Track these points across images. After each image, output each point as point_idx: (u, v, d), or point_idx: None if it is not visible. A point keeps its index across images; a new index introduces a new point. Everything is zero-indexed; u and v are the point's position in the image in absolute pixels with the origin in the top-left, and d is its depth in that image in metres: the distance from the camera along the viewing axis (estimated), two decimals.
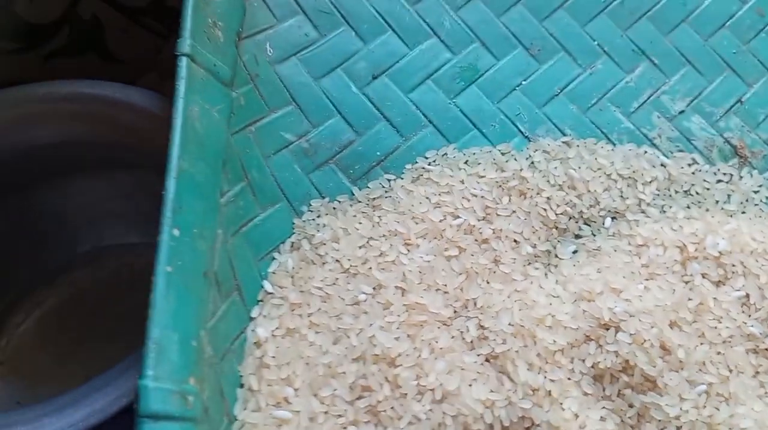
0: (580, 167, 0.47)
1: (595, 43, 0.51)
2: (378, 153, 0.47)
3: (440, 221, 0.44)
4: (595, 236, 0.46)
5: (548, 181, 0.46)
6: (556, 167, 0.47)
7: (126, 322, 0.59)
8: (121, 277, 0.63)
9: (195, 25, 0.40)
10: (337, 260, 0.42)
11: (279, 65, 0.47)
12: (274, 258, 0.42)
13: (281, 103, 0.46)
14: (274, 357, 0.38)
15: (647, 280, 0.42)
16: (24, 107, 0.48)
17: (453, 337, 0.40)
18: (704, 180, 0.48)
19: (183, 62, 0.38)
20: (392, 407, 0.37)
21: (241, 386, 0.37)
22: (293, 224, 0.44)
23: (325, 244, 0.43)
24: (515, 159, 0.47)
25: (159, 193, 0.59)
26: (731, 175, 0.49)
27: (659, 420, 0.37)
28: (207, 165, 0.37)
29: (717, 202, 0.47)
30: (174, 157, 0.35)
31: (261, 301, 0.41)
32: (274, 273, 0.42)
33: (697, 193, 0.48)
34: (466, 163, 0.47)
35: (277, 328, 0.39)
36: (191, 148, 0.36)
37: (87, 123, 0.48)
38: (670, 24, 0.52)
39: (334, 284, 0.42)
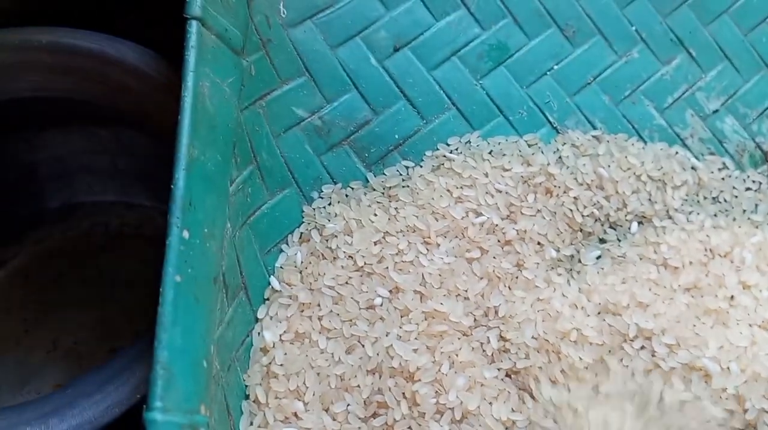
0: (609, 166, 0.44)
1: (633, 28, 0.47)
2: (396, 136, 0.43)
3: (462, 218, 0.40)
4: (620, 241, 0.43)
5: (576, 179, 0.43)
6: (584, 164, 0.44)
7: (98, 287, 0.55)
8: (94, 238, 0.58)
9: None
10: (350, 256, 0.39)
11: (293, 29, 0.42)
12: (281, 251, 0.39)
13: (294, 73, 0.41)
14: (282, 365, 0.35)
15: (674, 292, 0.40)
16: None
17: (473, 349, 0.37)
18: (733, 187, 0.46)
19: (193, 27, 0.33)
20: (410, 427, 0.34)
21: (247, 397, 0.34)
22: (303, 212, 0.40)
23: (336, 236, 0.39)
24: (542, 152, 0.44)
25: (138, 152, 0.55)
26: (760, 183, 0.46)
27: None
28: (218, 151, 0.33)
29: (744, 211, 0.45)
30: (183, 144, 0.30)
31: (268, 299, 0.37)
32: (281, 268, 0.38)
33: (725, 200, 0.45)
34: (490, 153, 0.43)
35: (285, 331, 0.36)
36: (202, 132, 0.31)
37: (68, 77, 0.42)
38: (712, 14, 0.49)
39: (346, 283, 0.38)
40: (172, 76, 0.41)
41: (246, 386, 0.34)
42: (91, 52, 0.41)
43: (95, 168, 0.56)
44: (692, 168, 0.46)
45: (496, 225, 0.41)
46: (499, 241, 0.41)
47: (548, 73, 0.46)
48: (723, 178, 0.46)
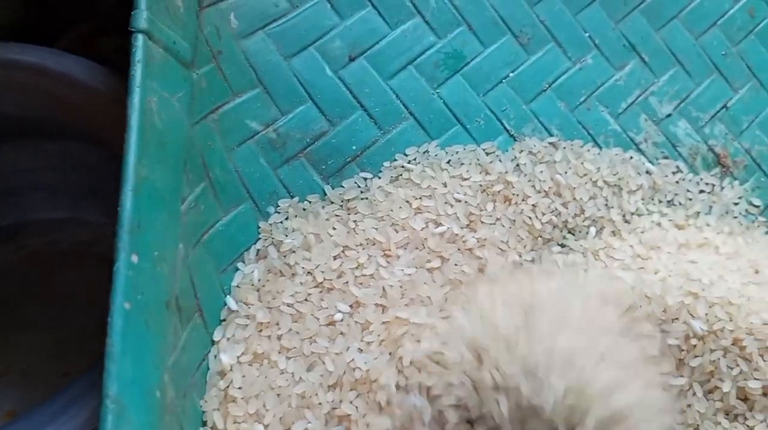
0: (566, 172, 0.44)
1: (587, 34, 0.48)
2: (353, 147, 0.42)
3: (422, 229, 0.40)
4: (580, 246, 0.43)
5: (534, 186, 0.43)
6: (542, 171, 0.44)
7: (51, 308, 0.53)
8: (45, 256, 0.56)
9: None
10: (309, 272, 0.38)
11: (244, 40, 0.41)
12: (237, 269, 0.38)
13: (247, 85, 0.40)
14: (240, 388, 0.34)
15: None
16: None
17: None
18: (687, 190, 0.47)
19: (139, 41, 0.32)
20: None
21: (204, 423, 0.33)
22: (259, 227, 0.39)
23: (294, 252, 0.39)
24: (500, 160, 0.44)
25: (89, 166, 0.53)
26: (713, 185, 0.47)
27: None
28: (167, 169, 0.32)
29: (698, 212, 0.46)
30: (130, 163, 0.29)
31: (224, 320, 0.36)
32: (238, 287, 0.37)
33: (680, 203, 0.46)
34: (448, 163, 0.43)
35: (243, 353, 0.35)
36: (150, 150, 0.30)
37: (11, 92, 0.41)
38: (663, 19, 0.49)
39: (306, 300, 0.37)
40: (121, 90, 0.39)
41: (203, 412, 0.33)
42: (34, 66, 0.39)
43: (45, 184, 0.54)
44: (647, 172, 0.46)
45: (456, 234, 0.40)
46: (459, 249, 0.40)
47: (504, 80, 0.46)
48: (677, 182, 0.47)
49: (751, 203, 0.48)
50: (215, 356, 0.34)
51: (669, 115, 0.48)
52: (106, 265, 0.55)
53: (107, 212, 0.56)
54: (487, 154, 0.44)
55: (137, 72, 0.31)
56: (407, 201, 0.41)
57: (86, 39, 0.56)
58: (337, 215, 0.40)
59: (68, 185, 0.54)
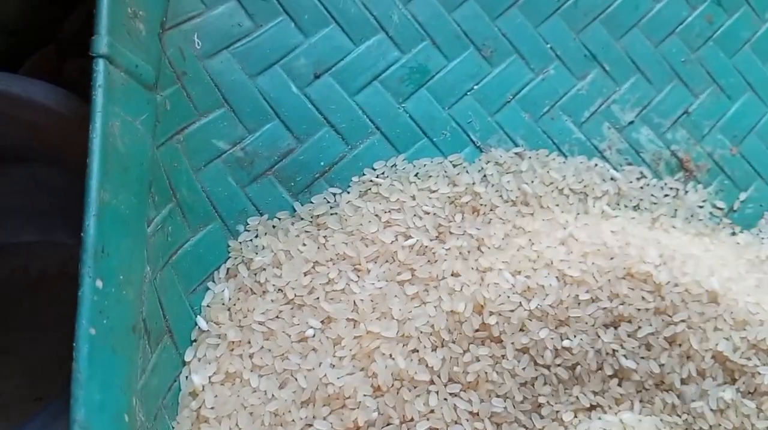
0: (532, 181, 0.45)
1: (548, 46, 0.49)
2: (321, 163, 0.42)
3: (391, 242, 0.40)
4: None
5: (501, 196, 0.44)
6: (509, 181, 0.44)
7: (23, 332, 0.52)
8: (15, 281, 0.55)
9: (113, 16, 0.33)
10: (279, 289, 0.38)
11: (209, 60, 0.41)
12: (208, 288, 0.38)
13: (212, 105, 0.41)
14: (213, 408, 0.34)
15: None
16: None
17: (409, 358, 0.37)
18: (652, 195, 0.47)
19: (100, 66, 0.32)
20: None
21: None
22: (228, 246, 0.39)
23: (265, 269, 0.39)
24: (467, 172, 0.44)
25: (56, 188, 0.53)
26: (677, 189, 0.48)
27: None
28: (132, 192, 0.32)
29: (663, 216, 0.47)
30: (93, 188, 0.29)
31: (195, 341, 0.36)
32: (208, 307, 0.37)
33: (645, 208, 0.47)
34: (416, 175, 0.44)
35: (215, 373, 0.35)
36: (113, 174, 0.30)
37: None
38: (623, 28, 0.50)
39: (277, 317, 0.37)
40: (86, 114, 0.39)
41: None
42: (2, 93, 0.39)
43: (13, 208, 0.54)
44: (612, 179, 0.47)
45: (426, 246, 0.41)
46: (429, 261, 0.41)
47: (469, 93, 0.46)
48: (642, 187, 0.47)
49: (715, 206, 0.49)
50: (186, 377, 0.34)
51: (631, 122, 0.49)
52: (77, 287, 0.55)
53: (77, 234, 0.56)
54: (455, 166, 0.44)
55: (98, 97, 0.31)
56: (376, 215, 0.41)
57: (51, 62, 0.56)
58: (306, 231, 0.41)
59: (36, 209, 0.54)
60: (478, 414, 0.36)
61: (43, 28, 0.58)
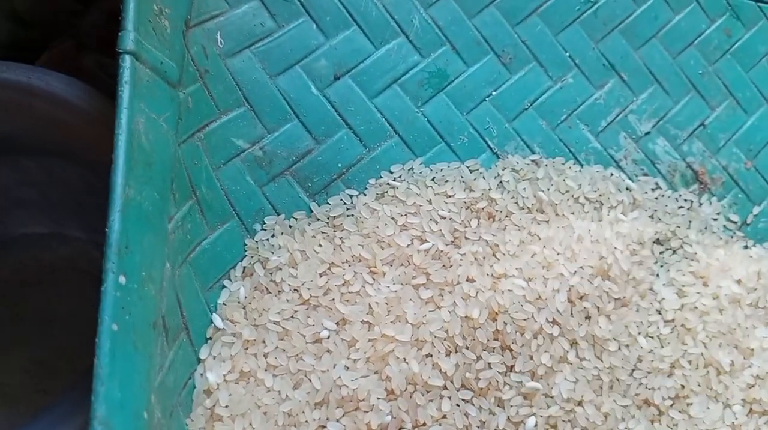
0: (548, 189, 0.45)
1: (567, 54, 0.49)
2: (339, 165, 0.43)
3: (407, 245, 0.40)
4: None
5: (517, 203, 0.44)
6: (525, 188, 0.44)
7: (31, 325, 0.52)
8: (25, 273, 0.55)
9: (139, 13, 0.33)
10: (295, 289, 0.38)
11: (231, 59, 0.42)
12: (224, 287, 0.38)
13: (233, 104, 0.41)
14: (227, 407, 0.34)
15: None
16: None
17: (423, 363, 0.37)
18: (666, 205, 0.47)
19: (126, 62, 0.32)
20: None
21: None
22: (245, 245, 0.39)
23: (280, 269, 0.39)
24: (483, 178, 0.44)
25: (69, 182, 0.53)
26: (692, 201, 0.48)
27: None
28: (155, 188, 0.32)
29: (678, 228, 0.47)
30: (118, 184, 0.29)
31: (210, 338, 0.36)
32: (224, 305, 0.37)
33: (660, 218, 0.47)
34: (433, 180, 0.44)
35: (229, 371, 0.35)
36: (138, 170, 0.30)
37: None
38: (641, 38, 0.51)
39: (292, 317, 0.37)
40: (104, 108, 0.40)
41: None
42: (19, 85, 0.39)
43: (25, 201, 0.54)
44: (627, 189, 0.47)
45: (441, 251, 0.41)
46: (444, 266, 0.41)
47: (487, 99, 0.46)
48: (656, 198, 0.48)
49: (728, 219, 0.49)
50: (201, 375, 0.34)
51: (648, 133, 0.49)
52: (86, 281, 0.55)
53: (88, 228, 0.56)
54: (471, 171, 0.45)
55: (125, 93, 0.31)
56: (393, 218, 0.41)
57: (68, 56, 0.56)
58: (323, 232, 0.41)
59: (48, 201, 0.54)
60: (485, 423, 0.36)
61: (61, 21, 0.59)
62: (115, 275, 0.27)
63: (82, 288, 0.54)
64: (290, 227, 0.41)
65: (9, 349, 0.50)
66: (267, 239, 0.40)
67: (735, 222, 0.49)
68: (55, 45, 0.57)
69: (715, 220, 0.48)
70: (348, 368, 0.36)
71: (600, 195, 0.46)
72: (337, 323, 0.37)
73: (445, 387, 0.37)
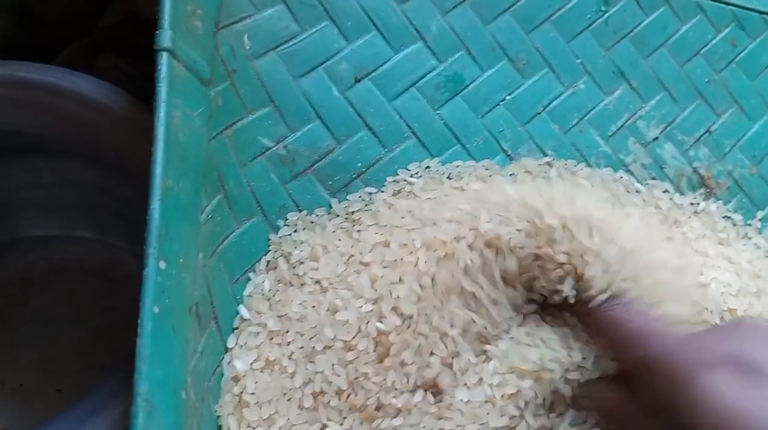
0: None
1: (579, 61, 0.50)
2: (359, 164, 0.44)
3: None
4: None
5: None
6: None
7: (42, 324, 0.53)
8: (36, 273, 0.55)
9: (175, 13, 0.35)
10: (316, 281, 0.39)
11: (257, 60, 0.43)
12: (249, 279, 0.39)
13: (259, 103, 0.42)
14: (253, 394, 0.35)
15: None
16: None
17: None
18: (671, 209, 0.49)
19: (163, 59, 0.33)
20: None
21: (219, 428, 0.34)
22: (269, 240, 0.40)
23: (303, 263, 0.40)
24: (499, 175, 0.46)
25: (82, 183, 0.53)
26: (698, 204, 0.50)
27: None
28: (189, 181, 0.33)
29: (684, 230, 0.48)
30: (158, 175, 0.30)
31: (237, 328, 0.37)
32: (250, 296, 0.38)
33: (666, 218, 0.48)
34: (449, 177, 0.45)
35: (255, 360, 0.36)
36: (175, 163, 0.32)
37: (22, 110, 0.42)
38: (650, 47, 0.52)
39: (314, 307, 0.39)
40: (133, 108, 0.41)
41: (218, 416, 0.34)
42: (48, 85, 0.40)
43: (36, 201, 0.54)
44: (636, 191, 0.49)
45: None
46: None
47: (501, 103, 0.48)
48: (664, 200, 0.49)
49: (733, 223, 0.50)
50: (229, 363, 0.36)
51: (656, 139, 0.50)
52: (96, 281, 0.55)
53: (98, 229, 0.57)
54: (486, 169, 0.46)
55: (163, 88, 0.33)
56: (410, 211, 0.42)
57: (83, 57, 0.57)
58: (342, 227, 0.42)
59: (60, 202, 0.54)
60: None
61: (77, 23, 0.60)
62: (155, 259, 0.29)
63: (90, 287, 0.55)
64: (312, 222, 0.42)
65: (22, 348, 0.51)
66: (290, 235, 0.41)
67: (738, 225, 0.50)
68: (71, 46, 0.58)
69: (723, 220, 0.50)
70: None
71: (612, 195, 0.47)
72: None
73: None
